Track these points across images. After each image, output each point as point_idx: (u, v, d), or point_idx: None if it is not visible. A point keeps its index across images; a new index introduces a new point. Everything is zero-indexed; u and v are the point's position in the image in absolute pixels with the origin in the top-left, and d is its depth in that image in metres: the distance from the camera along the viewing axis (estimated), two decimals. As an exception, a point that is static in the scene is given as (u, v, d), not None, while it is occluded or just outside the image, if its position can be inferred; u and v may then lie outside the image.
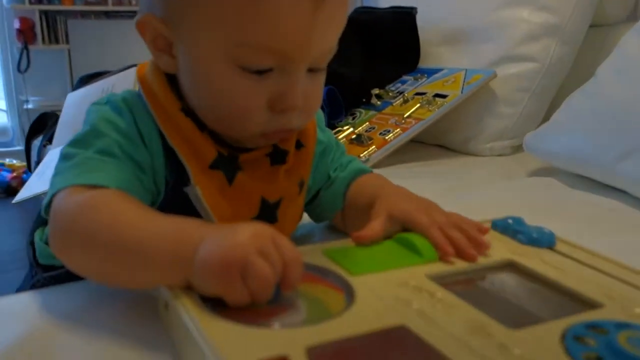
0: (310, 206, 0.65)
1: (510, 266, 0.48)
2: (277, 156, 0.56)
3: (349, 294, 0.41)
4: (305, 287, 0.41)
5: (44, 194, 1.28)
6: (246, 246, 0.37)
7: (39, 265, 0.61)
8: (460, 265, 0.47)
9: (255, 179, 0.54)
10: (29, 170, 1.83)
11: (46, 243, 0.60)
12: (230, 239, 0.38)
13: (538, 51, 1.16)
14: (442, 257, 0.47)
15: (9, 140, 3.43)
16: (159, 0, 0.49)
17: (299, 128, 0.55)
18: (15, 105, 3.34)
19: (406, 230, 0.51)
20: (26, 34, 3.06)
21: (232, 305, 0.37)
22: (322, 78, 0.53)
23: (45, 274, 0.60)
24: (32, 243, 0.63)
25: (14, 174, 2.92)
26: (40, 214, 0.62)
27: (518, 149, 1.16)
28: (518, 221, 0.54)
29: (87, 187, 0.45)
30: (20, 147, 3.37)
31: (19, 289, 0.67)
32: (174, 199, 0.52)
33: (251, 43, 0.46)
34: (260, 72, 0.47)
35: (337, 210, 0.63)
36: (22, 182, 2.92)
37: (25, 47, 3.06)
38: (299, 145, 0.58)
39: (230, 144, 0.54)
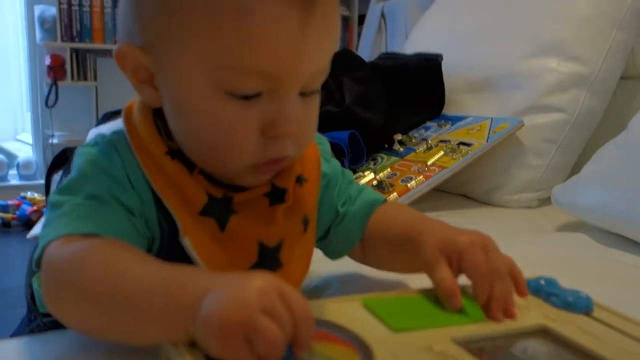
0: (321, 244, 0.61)
1: (543, 332, 0.44)
2: (276, 195, 0.52)
3: (366, 356, 0.38)
4: (319, 346, 0.38)
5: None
6: (250, 305, 0.33)
7: (37, 309, 0.58)
8: (489, 328, 0.43)
9: (251, 222, 0.51)
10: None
11: None
12: (233, 295, 0.34)
13: (567, 102, 1.13)
14: (490, 319, 0.44)
15: (32, 173, 3.47)
16: (137, 26, 0.47)
17: (294, 157, 0.50)
18: (41, 139, 3.40)
19: None
20: (56, 71, 3.13)
21: None
22: (316, 101, 0.50)
23: (44, 319, 0.58)
24: (30, 286, 0.61)
25: (35, 208, 2.94)
26: (31, 260, 0.60)
27: (545, 201, 1.12)
28: (551, 282, 0.50)
29: (79, 237, 0.42)
30: (42, 181, 3.41)
31: (16, 332, 0.65)
32: (172, 248, 0.49)
33: (235, 65, 0.43)
34: (247, 97, 0.44)
35: (352, 247, 0.59)
36: (42, 216, 2.94)
37: (55, 83, 3.13)
38: (300, 180, 0.55)
39: (224, 183, 0.50)
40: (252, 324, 0.33)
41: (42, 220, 1.26)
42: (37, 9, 3.19)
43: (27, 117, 3.64)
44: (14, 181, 3.44)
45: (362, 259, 0.60)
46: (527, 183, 1.12)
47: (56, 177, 1.71)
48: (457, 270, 0.47)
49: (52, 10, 3.15)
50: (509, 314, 0.45)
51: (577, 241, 0.86)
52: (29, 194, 3.05)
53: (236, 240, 0.50)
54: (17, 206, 2.97)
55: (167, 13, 0.44)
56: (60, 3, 3.12)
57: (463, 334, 0.42)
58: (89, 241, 0.42)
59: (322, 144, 0.61)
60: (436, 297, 0.47)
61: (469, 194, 1.20)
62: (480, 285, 0.45)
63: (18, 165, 3.45)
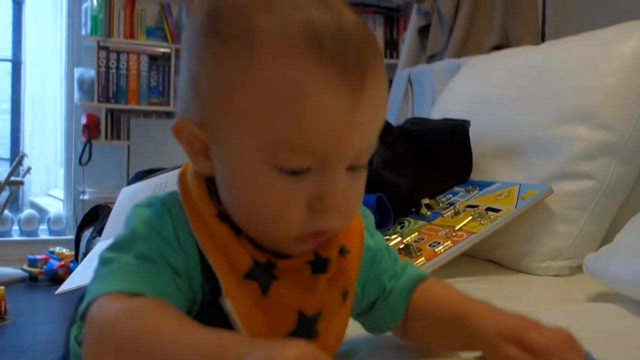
0: (364, 317, 0.61)
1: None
2: (319, 264, 0.53)
3: None
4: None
5: (85, 286, 1.26)
6: None
7: None
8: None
9: (293, 289, 0.51)
10: (76, 259, 1.85)
11: (79, 344, 0.58)
12: None
13: (596, 170, 1.12)
14: None
15: (61, 229, 3.53)
16: (195, 104, 0.49)
17: (339, 230, 0.51)
18: (72, 195, 3.47)
19: None
20: (91, 129, 3.24)
21: None
22: (362, 176, 0.51)
23: None
24: (68, 338, 0.61)
25: (62, 263, 2.98)
26: (76, 310, 0.61)
27: (576, 270, 1.10)
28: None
29: (126, 295, 0.44)
30: (71, 237, 3.46)
31: None
32: (212, 309, 0.49)
33: (288, 144, 0.45)
34: (297, 172, 0.46)
35: (395, 323, 0.60)
36: (69, 271, 2.96)
37: (89, 141, 3.23)
38: (343, 251, 0.55)
39: (268, 249, 0.51)
40: None
41: (72, 276, 1.27)
42: (77, 71, 3.33)
43: (60, 173, 3.74)
44: (43, 236, 3.51)
45: (403, 335, 0.61)
46: (556, 251, 1.10)
47: (86, 233, 1.74)
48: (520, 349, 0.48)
49: (91, 73, 3.29)
50: None
51: (611, 313, 0.84)
52: (57, 249, 3.10)
53: (277, 306, 0.50)
54: (45, 261, 3.01)
55: (225, 92, 0.46)
56: (99, 66, 3.26)
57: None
58: (135, 300, 0.43)
59: (366, 217, 0.61)
60: None
61: (498, 259, 1.18)
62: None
63: (49, 220, 3.51)
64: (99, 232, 1.54)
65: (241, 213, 0.49)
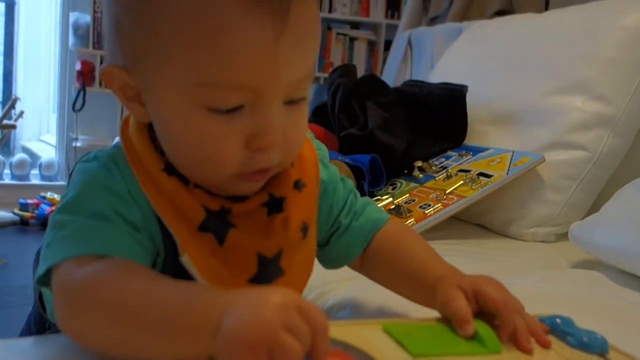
0: (319, 251, 0.60)
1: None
2: (274, 204, 0.52)
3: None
4: (334, 364, 0.39)
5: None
6: (272, 323, 0.34)
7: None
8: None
9: (250, 234, 0.51)
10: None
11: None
12: (255, 314, 0.35)
13: (589, 140, 1.13)
14: (522, 350, 0.46)
15: (53, 174, 3.53)
16: (119, 49, 0.47)
17: (282, 165, 0.50)
18: (65, 141, 3.46)
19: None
20: (85, 76, 3.19)
21: None
22: (304, 108, 0.49)
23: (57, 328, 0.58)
24: (40, 295, 0.61)
25: (53, 208, 2.98)
26: (35, 260, 0.61)
27: (561, 237, 1.12)
28: (567, 322, 0.50)
29: (89, 257, 0.43)
30: (63, 183, 3.46)
31: (23, 333, 0.65)
32: (174, 263, 0.49)
33: (213, 81, 0.43)
34: (229, 111, 0.44)
35: (349, 260, 0.60)
36: (60, 217, 2.98)
37: (83, 88, 3.19)
38: (299, 185, 0.54)
39: (221, 194, 0.50)
40: (275, 340, 0.34)
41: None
42: (72, 16, 3.26)
43: (53, 118, 3.71)
44: (35, 181, 3.50)
45: (358, 270, 0.61)
46: (544, 218, 1.12)
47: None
48: (474, 306, 0.48)
49: (87, 18, 3.22)
50: (526, 349, 0.46)
51: (592, 279, 0.86)
52: (49, 194, 3.10)
53: (235, 253, 0.50)
54: (37, 205, 3.01)
55: (146, 34, 0.45)
56: (94, 11, 3.19)
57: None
58: (100, 263, 0.42)
59: (320, 149, 0.60)
60: (452, 327, 0.47)
61: (486, 224, 1.20)
62: (504, 318, 0.46)
63: (40, 166, 3.50)
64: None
65: (179, 157, 0.48)
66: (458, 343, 0.45)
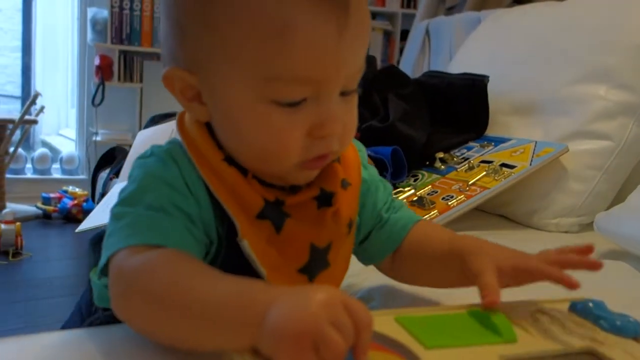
0: (359, 247, 0.63)
1: (590, 354, 0.45)
2: (324, 198, 0.54)
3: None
4: (373, 355, 0.40)
5: (105, 226, 1.30)
6: (319, 317, 0.36)
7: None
8: (535, 348, 0.44)
9: (304, 224, 0.53)
10: (93, 200, 1.89)
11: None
12: (302, 308, 0.36)
13: (613, 129, 1.13)
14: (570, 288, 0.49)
15: (74, 168, 3.57)
16: (181, 51, 0.49)
17: (338, 153, 0.53)
18: (85, 136, 3.50)
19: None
20: (104, 71, 3.22)
21: None
22: (355, 100, 0.52)
23: (105, 312, 0.60)
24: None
25: (75, 202, 3.03)
26: (93, 255, 0.63)
27: (585, 227, 1.12)
28: (599, 305, 0.51)
29: (144, 247, 0.45)
30: (84, 176, 3.51)
31: (70, 321, 0.68)
32: (229, 250, 0.51)
33: (281, 76, 0.45)
34: (293, 104, 0.47)
35: (389, 251, 0.61)
36: (82, 210, 3.02)
37: (102, 83, 3.22)
38: (344, 184, 0.57)
39: (275, 185, 0.53)
40: (320, 333, 0.35)
41: (91, 215, 1.31)
42: (90, 11, 3.29)
43: (71, 113, 3.75)
44: (56, 175, 3.55)
45: (389, 271, 0.63)
46: (568, 208, 1.12)
47: (103, 174, 1.77)
48: (511, 279, 0.50)
49: (104, 13, 3.25)
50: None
51: (619, 269, 0.86)
52: (70, 188, 3.14)
53: (290, 241, 0.52)
54: (59, 199, 3.06)
55: (212, 34, 0.47)
56: (112, 6, 3.21)
57: (511, 353, 0.43)
58: (155, 252, 0.44)
59: (361, 150, 0.63)
60: (466, 318, 0.48)
61: (509, 215, 1.20)
62: (549, 274, 0.50)
63: (61, 160, 3.55)
64: (116, 174, 1.57)
65: (242, 151, 0.50)
66: (472, 333, 0.45)
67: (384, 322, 0.45)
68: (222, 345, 0.40)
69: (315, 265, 0.54)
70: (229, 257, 0.51)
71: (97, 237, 0.62)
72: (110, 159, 1.78)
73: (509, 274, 0.50)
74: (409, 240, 0.60)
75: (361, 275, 0.77)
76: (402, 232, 0.60)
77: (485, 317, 0.47)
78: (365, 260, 0.64)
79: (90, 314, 0.63)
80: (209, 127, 0.52)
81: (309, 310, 0.36)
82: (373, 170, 0.63)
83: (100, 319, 0.61)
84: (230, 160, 0.51)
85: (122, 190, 0.50)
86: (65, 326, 0.68)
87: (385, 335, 0.43)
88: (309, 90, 0.47)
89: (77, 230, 1.29)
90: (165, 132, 1.53)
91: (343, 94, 0.49)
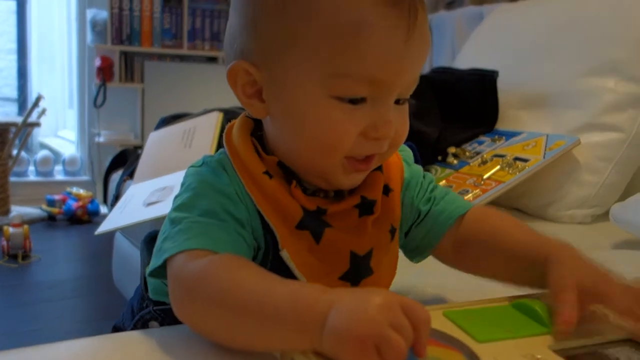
0: (404, 244, 0.63)
1: (630, 342, 0.47)
2: (365, 207, 0.56)
3: (472, 358, 0.42)
4: (430, 350, 0.42)
5: (124, 227, 1.30)
6: (380, 321, 0.37)
7: (149, 298, 0.63)
8: (581, 338, 0.46)
9: (343, 233, 0.54)
10: (105, 201, 1.91)
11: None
12: (362, 311, 0.38)
13: (623, 121, 1.15)
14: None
15: (76, 170, 3.58)
16: (252, 44, 0.51)
17: (385, 158, 0.55)
18: (86, 137, 3.50)
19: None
20: (105, 72, 3.23)
21: None
22: (407, 108, 0.54)
23: (155, 307, 0.62)
24: (144, 277, 0.65)
25: (80, 203, 3.03)
26: (145, 244, 0.65)
27: (599, 218, 1.14)
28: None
29: (199, 252, 0.47)
30: (87, 177, 3.51)
31: (124, 316, 0.69)
32: (275, 259, 0.53)
33: (348, 73, 0.47)
34: (354, 102, 0.49)
35: (432, 246, 0.61)
36: (87, 212, 3.03)
37: (104, 83, 3.23)
38: (386, 190, 0.58)
39: (319, 192, 0.54)
40: (381, 335, 0.37)
41: (110, 217, 1.31)
42: (90, 13, 3.29)
43: (69, 114, 3.75)
44: (59, 177, 3.55)
45: (451, 262, 0.61)
46: (581, 199, 1.14)
47: (115, 176, 1.78)
48: (589, 300, 0.48)
49: (104, 14, 3.25)
50: None
51: (637, 259, 0.88)
52: (74, 190, 3.15)
53: (330, 250, 0.54)
54: (63, 201, 3.06)
55: (287, 30, 0.49)
56: (112, 7, 3.22)
57: (558, 344, 0.45)
58: (212, 258, 0.46)
59: (404, 150, 0.64)
60: (511, 310, 0.50)
61: (523, 208, 1.23)
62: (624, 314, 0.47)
63: (64, 162, 3.55)
64: (129, 175, 1.57)
65: (298, 146, 0.52)
66: (519, 325, 0.47)
67: (433, 317, 0.47)
68: (282, 346, 0.42)
69: (357, 272, 0.55)
70: (274, 265, 0.52)
71: (150, 236, 0.64)
72: (121, 161, 1.79)
73: (587, 293, 0.47)
74: (463, 234, 0.58)
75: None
76: (444, 226, 0.59)
77: (530, 308, 0.49)
78: (411, 256, 0.64)
79: (141, 308, 0.64)
80: (256, 139, 0.54)
81: (369, 314, 0.38)
82: (416, 168, 0.64)
83: (151, 314, 0.63)
84: (271, 172, 0.52)
85: (177, 197, 0.53)
86: (118, 324, 0.70)
87: (440, 331, 0.45)
88: (371, 91, 0.48)
89: (97, 233, 1.30)
90: (177, 133, 1.54)
91: (397, 101, 0.52)
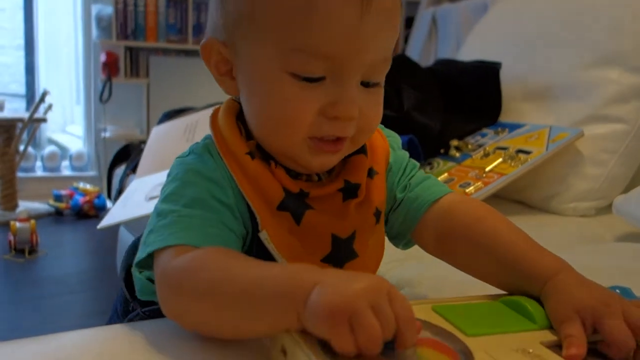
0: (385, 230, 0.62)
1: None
2: (349, 190, 0.55)
3: (466, 356, 0.41)
4: (423, 351, 0.41)
5: (126, 221, 1.31)
6: (359, 297, 0.36)
7: (136, 300, 0.62)
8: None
9: (325, 216, 0.54)
10: (109, 196, 1.92)
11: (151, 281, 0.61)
12: (344, 286, 0.37)
13: (627, 113, 1.14)
14: None
15: (83, 165, 3.59)
16: (221, 24, 0.52)
17: (357, 142, 0.53)
18: (93, 132, 3.51)
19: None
20: (111, 67, 3.24)
21: (339, 352, 0.37)
22: (379, 93, 0.52)
23: (144, 309, 0.61)
24: (125, 277, 0.65)
25: (87, 198, 3.05)
26: (131, 248, 0.64)
27: (602, 210, 1.13)
28: (626, 291, 0.52)
29: (185, 247, 0.46)
30: (93, 173, 3.53)
31: (111, 321, 0.69)
32: (257, 242, 0.52)
33: (301, 48, 0.47)
34: (310, 80, 0.48)
35: (409, 233, 0.59)
36: (93, 207, 3.05)
37: (109, 79, 3.23)
38: (371, 173, 0.57)
39: (302, 176, 0.54)
40: (357, 314, 0.36)
41: (111, 212, 1.32)
42: (95, 8, 3.30)
43: (77, 110, 3.77)
44: (66, 172, 3.57)
45: (433, 252, 0.59)
46: (585, 192, 1.13)
47: (118, 171, 1.79)
48: (590, 329, 0.45)
49: (109, 10, 3.25)
50: None
51: (639, 252, 0.87)
52: (81, 185, 3.17)
53: (311, 232, 0.53)
54: (70, 196, 3.08)
55: (245, 8, 0.49)
56: (116, 3, 3.22)
57: (551, 339, 0.44)
58: (200, 251, 0.46)
59: (391, 136, 0.63)
60: (500, 306, 0.49)
61: (526, 200, 1.22)
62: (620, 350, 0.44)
63: (71, 157, 3.57)
64: (132, 170, 1.58)
65: (259, 123, 0.52)
66: (508, 321, 0.47)
67: (422, 311, 0.47)
68: (271, 326, 0.42)
69: (339, 255, 0.55)
70: (259, 250, 0.52)
71: (134, 244, 0.64)
72: (125, 155, 1.79)
73: (586, 319, 0.45)
74: (459, 222, 0.56)
75: (389, 264, 0.78)
76: (418, 212, 0.58)
77: (519, 304, 0.48)
78: (394, 242, 0.63)
79: (126, 312, 0.64)
80: (242, 120, 0.54)
81: (351, 290, 0.37)
82: (401, 154, 0.62)
83: (140, 315, 0.62)
84: (253, 154, 0.52)
85: (164, 188, 0.52)
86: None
87: (432, 324, 0.45)
88: (327, 68, 0.48)
89: (98, 227, 1.30)
90: (180, 127, 1.55)
91: (366, 84, 0.50)
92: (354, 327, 0.36)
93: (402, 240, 0.62)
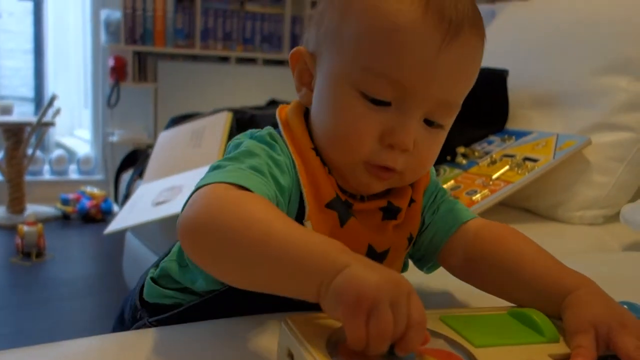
0: (412, 254, 0.64)
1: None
2: (390, 211, 0.57)
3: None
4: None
5: (133, 227, 1.31)
6: (383, 291, 0.37)
7: (145, 307, 0.63)
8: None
9: (366, 227, 0.56)
10: (116, 200, 1.92)
11: (155, 282, 0.62)
12: (372, 276, 0.38)
13: (636, 121, 1.13)
14: None
15: (91, 169, 3.61)
16: (314, 34, 0.55)
17: (406, 178, 0.54)
18: (100, 136, 3.53)
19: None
20: (119, 72, 3.25)
21: (349, 340, 0.37)
22: (440, 136, 0.54)
23: (151, 319, 0.61)
24: (139, 288, 0.65)
25: (94, 202, 3.06)
26: (161, 259, 0.65)
27: (610, 219, 1.13)
28: (635, 307, 0.52)
29: (237, 187, 0.46)
30: (101, 177, 3.54)
31: (115, 329, 0.69)
32: None
33: (375, 68, 0.49)
34: (378, 103, 0.50)
35: (436, 252, 0.61)
36: (100, 211, 3.06)
37: (117, 83, 3.25)
38: (411, 201, 0.59)
39: (348, 190, 0.55)
40: (377, 306, 0.36)
41: (119, 217, 1.32)
42: (103, 13, 3.32)
43: (85, 114, 3.78)
44: (73, 176, 3.59)
45: (463, 276, 0.60)
46: (592, 200, 1.13)
47: (125, 176, 1.79)
48: (603, 345, 0.45)
49: (117, 15, 3.27)
50: None
51: (648, 262, 0.87)
52: (88, 189, 3.18)
53: (350, 237, 0.54)
54: (77, 200, 3.09)
55: (337, 22, 0.52)
56: (125, 7, 3.24)
57: (560, 352, 0.44)
58: (246, 192, 0.46)
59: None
60: (508, 318, 0.49)
61: (532, 209, 1.21)
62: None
63: (78, 161, 3.59)
64: (139, 175, 1.59)
65: (324, 135, 0.54)
66: (516, 333, 0.47)
67: (430, 321, 0.46)
68: (289, 290, 0.42)
69: None
70: None
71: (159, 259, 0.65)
72: (132, 160, 1.80)
73: (600, 334, 0.45)
74: (488, 246, 0.56)
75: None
76: (445, 235, 0.59)
77: (527, 317, 0.48)
78: (419, 265, 0.65)
79: (134, 319, 0.64)
80: (307, 122, 0.56)
81: (375, 281, 0.37)
82: (435, 180, 0.63)
83: (147, 325, 0.62)
84: (317, 151, 0.55)
85: (228, 152, 0.54)
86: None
87: (442, 334, 0.45)
88: (395, 95, 0.49)
89: (105, 232, 1.31)
90: (187, 133, 1.55)
91: (430, 123, 0.52)
92: (370, 319, 0.36)
93: (427, 263, 0.64)
